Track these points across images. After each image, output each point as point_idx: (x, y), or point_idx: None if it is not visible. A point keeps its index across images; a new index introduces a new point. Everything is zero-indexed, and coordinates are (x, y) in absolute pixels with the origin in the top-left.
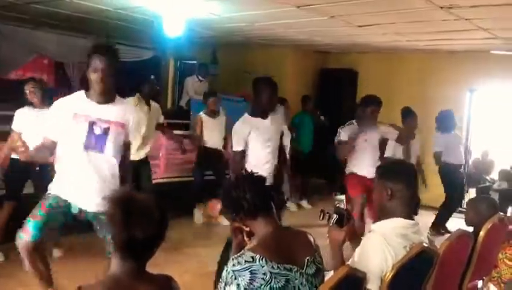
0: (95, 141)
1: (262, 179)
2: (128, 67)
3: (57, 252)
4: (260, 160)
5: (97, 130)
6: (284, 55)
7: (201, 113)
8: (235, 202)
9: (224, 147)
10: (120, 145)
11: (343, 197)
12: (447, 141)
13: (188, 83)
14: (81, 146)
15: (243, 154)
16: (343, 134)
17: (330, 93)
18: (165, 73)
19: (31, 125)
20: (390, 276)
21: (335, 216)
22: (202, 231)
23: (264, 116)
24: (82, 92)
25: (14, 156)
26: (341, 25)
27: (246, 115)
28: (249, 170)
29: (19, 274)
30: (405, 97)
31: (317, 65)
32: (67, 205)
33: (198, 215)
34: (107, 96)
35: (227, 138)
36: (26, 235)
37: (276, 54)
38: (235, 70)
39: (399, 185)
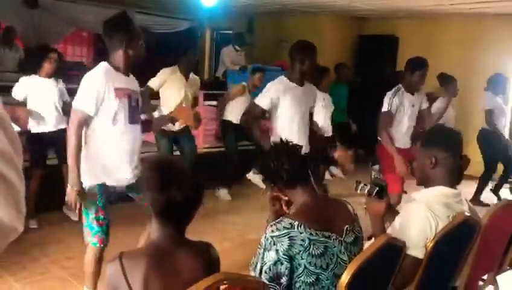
0: (133, 113)
1: (299, 148)
2: (164, 38)
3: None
4: (289, 127)
5: (133, 102)
6: (321, 23)
7: (246, 84)
8: (273, 173)
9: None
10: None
11: (378, 166)
12: (496, 103)
13: (224, 53)
14: (126, 120)
15: (263, 112)
16: (394, 105)
17: (369, 61)
18: (201, 43)
19: (39, 94)
20: (431, 245)
21: (375, 188)
22: (239, 200)
23: (300, 83)
24: (107, 64)
25: (34, 130)
26: None
27: (283, 76)
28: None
29: (69, 240)
30: (448, 64)
31: (355, 32)
32: (113, 189)
33: (224, 193)
34: (130, 69)
35: None
36: (99, 242)
37: (312, 22)
38: (271, 40)
39: (444, 152)
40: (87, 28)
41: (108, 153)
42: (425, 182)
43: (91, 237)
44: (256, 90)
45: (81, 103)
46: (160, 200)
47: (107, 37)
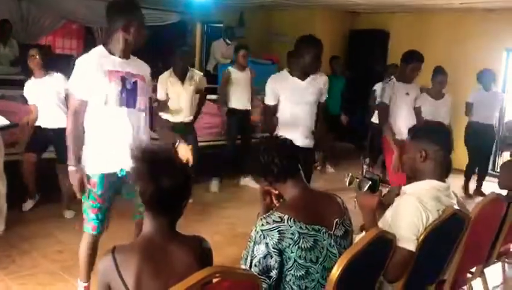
0: (127, 96)
1: (289, 142)
2: (154, 32)
3: (69, 214)
4: (290, 122)
5: (128, 85)
6: (312, 17)
7: (229, 67)
8: (264, 167)
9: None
10: (147, 99)
11: (368, 160)
12: (482, 96)
13: (215, 47)
14: (117, 103)
15: (274, 109)
16: (386, 95)
17: (360, 55)
18: (192, 37)
19: (38, 94)
20: (421, 238)
21: (368, 182)
22: (230, 194)
23: (302, 77)
24: (102, 48)
25: (37, 123)
26: None
27: (285, 70)
28: (279, 132)
29: (59, 234)
30: (439, 58)
31: (346, 26)
32: (115, 176)
33: (215, 184)
34: (130, 52)
35: (253, 100)
36: (93, 230)
37: (304, 16)
38: (262, 33)
39: (433, 146)
40: (77, 20)
41: (104, 138)
42: (415, 175)
43: (86, 223)
44: (243, 70)
45: (73, 87)
46: (149, 190)
47: (107, 18)
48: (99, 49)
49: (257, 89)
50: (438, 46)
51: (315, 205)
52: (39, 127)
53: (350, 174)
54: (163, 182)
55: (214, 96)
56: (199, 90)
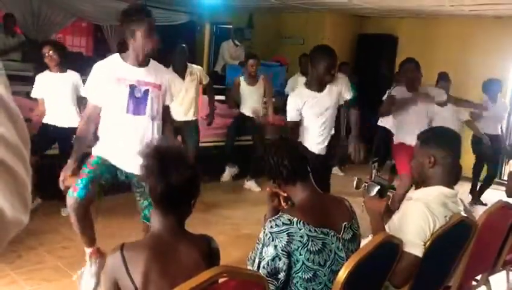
0: (136, 104)
1: (299, 144)
2: (163, 32)
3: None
4: (313, 134)
5: (137, 93)
6: (321, 20)
7: (241, 77)
8: (273, 169)
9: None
10: (159, 107)
11: (377, 164)
12: (488, 110)
13: (224, 48)
14: (123, 110)
15: (296, 124)
16: (395, 90)
17: (368, 60)
18: (201, 38)
19: (51, 90)
20: (427, 245)
21: (377, 186)
22: (234, 195)
23: (320, 88)
24: (117, 56)
25: (44, 121)
26: None
27: (301, 86)
28: (303, 140)
29: (65, 230)
30: (446, 64)
31: (355, 30)
32: (113, 165)
33: (227, 173)
34: (146, 59)
35: (267, 102)
36: (74, 192)
37: (312, 19)
38: (271, 35)
39: (442, 152)
40: (86, 18)
41: (111, 142)
42: (423, 181)
43: (71, 188)
44: (253, 82)
45: (86, 92)
46: (159, 187)
47: (120, 26)
48: (115, 56)
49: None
50: (446, 52)
51: (324, 208)
52: (45, 125)
53: (357, 178)
54: (172, 179)
55: (221, 97)
56: (204, 85)
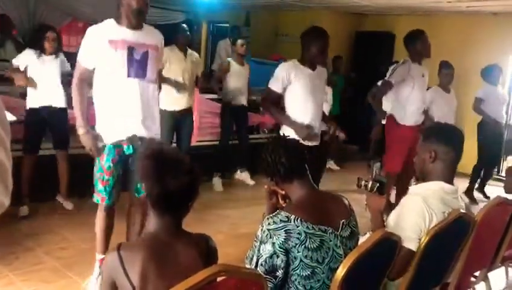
0: (136, 66)
1: (296, 142)
2: (160, 31)
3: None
4: (303, 109)
5: (136, 55)
6: (319, 18)
7: (230, 59)
8: (271, 166)
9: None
10: (158, 69)
11: (379, 164)
12: (490, 92)
13: (221, 46)
14: (124, 74)
15: (278, 98)
16: (396, 75)
17: (366, 57)
18: (198, 36)
19: (43, 72)
20: (426, 240)
21: (377, 184)
22: (231, 194)
23: (311, 67)
24: (112, 20)
25: (32, 106)
26: None
27: (295, 60)
28: (286, 130)
29: (63, 231)
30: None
31: (352, 28)
32: (122, 151)
33: (217, 183)
34: (140, 23)
35: (249, 91)
36: (102, 202)
37: (310, 17)
38: (268, 34)
39: (444, 147)
40: (83, 18)
41: (111, 108)
42: (424, 176)
43: (95, 194)
44: (242, 63)
45: (79, 55)
46: (156, 189)
47: None
48: (110, 21)
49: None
50: (444, 49)
51: (322, 205)
52: (34, 110)
53: (358, 177)
54: (170, 183)
55: (214, 96)
56: (197, 76)
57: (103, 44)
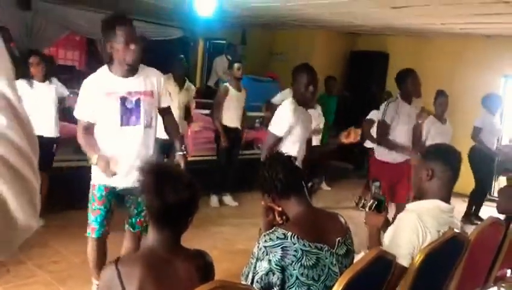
0: (129, 115)
1: (293, 159)
2: (157, 46)
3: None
4: (292, 148)
5: (129, 104)
6: (313, 37)
7: (227, 84)
8: (268, 183)
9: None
10: (154, 114)
11: (378, 183)
12: (488, 121)
13: (217, 63)
14: (117, 123)
15: (279, 142)
16: (388, 115)
17: (360, 76)
18: (194, 52)
19: (35, 99)
20: (420, 259)
21: (375, 202)
22: (226, 210)
23: (306, 106)
24: (106, 68)
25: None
26: (374, 6)
27: (294, 101)
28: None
29: (55, 244)
30: (438, 82)
31: (346, 47)
32: (113, 188)
33: (214, 199)
34: (133, 68)
35: (245, 115)
36: (92, 233)
37: (305, 36)
38: (264, 52)
39: (441, 166)
40: (80, 32)
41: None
42: (420, 194)
43: (88, 227)
44: (240, 88)
45: (78, 112)
46: (156, 204)
47: (103, 37)
48: (103, 69)
49: (257, 106)
50: (437, 70)
51: (318, 223)
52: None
53: (358, 195)
54: (170, 197)
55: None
56: (187, 107)
57: (99, 97)
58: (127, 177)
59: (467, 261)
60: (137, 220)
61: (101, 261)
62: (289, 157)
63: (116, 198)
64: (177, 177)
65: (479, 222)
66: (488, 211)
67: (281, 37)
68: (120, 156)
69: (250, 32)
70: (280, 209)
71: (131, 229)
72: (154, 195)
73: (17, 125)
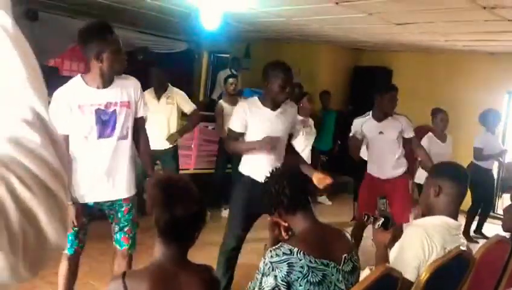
0: (104, 127)
1: (300, 174)
2: (161, 59)
3: None
4: (257, 156)
5: (104, 116)
6: (317, 52)
7: (221, 101)
8: (274, 198)
9: None
10: (130, 124)
11: (384, 200)
12: (487, 141)
13: (221, 76)
14: (93, 136)
15: (237, 136)
16: (357, 130)
17: (363, 91)
18: (199, 66)
19: None
20: (426, 277)
21: (382, 219)
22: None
23: (273, 107)
24: (79, 78)
25: None
26: (379, 22)
27: (256, 98)
28: (247, 167)
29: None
30: (441, 98)
31: (350, 62)
32: (90, 206)
33: (225, 211)
34: (110, 79)
35: None
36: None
37: (309, 50)
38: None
39: (449, 182)
40: None
41: (80, 170)
42: (428, 210)
43: None
44: (235, 97)
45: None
46: (164, 218)
47: (81, 46)
48: (76, 80)
49: None
50: (440, 86)
51: (324, 239)
52: None
53: (365, 213)
54: (178, 211)
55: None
56: (189, 113)
57: (72, 110)
58: (95, 191)
59: (472, 280)
60: (122, 236)
61: (69, 279)
62: (296, 172)
63: (95, 213)
64: (185, 191)
65: (481, 239)
66: (493, 228)
67: (285, 50)
68: (92, 170)
69: (254, 45)
70: (286, 224)
71: (117, 246)
72: (163, 209)
73: (51, 145)
